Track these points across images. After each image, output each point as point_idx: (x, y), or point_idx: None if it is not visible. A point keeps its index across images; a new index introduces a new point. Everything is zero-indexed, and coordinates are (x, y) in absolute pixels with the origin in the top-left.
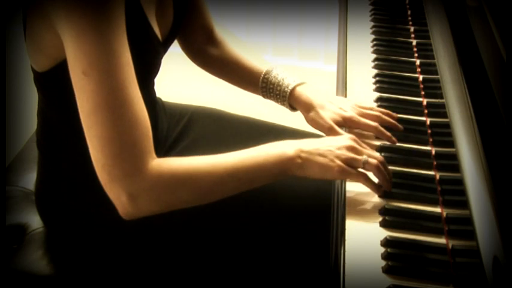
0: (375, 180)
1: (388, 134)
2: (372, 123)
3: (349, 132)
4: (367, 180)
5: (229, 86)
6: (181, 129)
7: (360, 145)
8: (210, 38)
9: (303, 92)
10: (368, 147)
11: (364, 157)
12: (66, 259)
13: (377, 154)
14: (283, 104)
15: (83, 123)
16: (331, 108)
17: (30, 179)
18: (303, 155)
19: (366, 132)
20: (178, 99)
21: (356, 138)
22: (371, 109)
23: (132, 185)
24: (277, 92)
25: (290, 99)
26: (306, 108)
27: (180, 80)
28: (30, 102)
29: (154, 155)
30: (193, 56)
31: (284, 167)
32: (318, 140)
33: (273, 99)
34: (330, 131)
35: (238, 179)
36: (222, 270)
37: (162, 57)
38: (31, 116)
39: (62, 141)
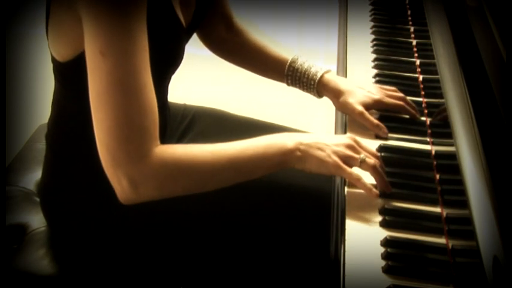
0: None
1: (415, 110)
2: (399, 102)
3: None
4: (359, 181)
5: (231, 86)
6: (184, 128)
7: (360, 146)
8: (231, 26)
9: (332, 79)
10: (367, 148)
11: (362, 156)
12: (66, 259)
13: (375, 156)
14: (309, 91)
15: (92, 104)
16: (360, 92)
17: (30, 179)
18: (302, 147)
19: (365, 131)
20: (180, 99)
21: (356, 139)
22: (394, 91)
23: (135, 171)
24: (305, 80)
25: (318, 87)
26: (336, 94)
27: (183, 80)
28: (30, 103)
29: (158, 142)
30: (213, 45)
31: (283, 159)
32: (317, 135)
33: (299, 87)
34: (360, 116)
35: (238, 168)
36: (222, 268)
37: (185, 45)
38: (31, 116)
39: (75, 133)
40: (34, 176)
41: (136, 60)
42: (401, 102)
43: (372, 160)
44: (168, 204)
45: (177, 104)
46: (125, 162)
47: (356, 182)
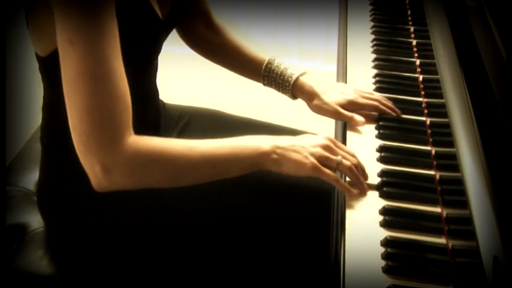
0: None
1: (390, 108)
2: (373, 102)
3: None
4: (337, 181)
5: (230, 86)
6: (180, 129)
7: (337, 146)
8: (209, 25)
9: (306, 82)
10: (345, 148)
11: (339, 157)
12: (66, 259)
13: (352, 156)
14: (285, 93)
15: (65, 92)
16: (333, 93)
17: (30, 179)
18: (278, 151)
19: (365, 131)
20: (178, 100)
21: (333, 139)
22: (370, 93)
23: (106, 157)
24: (280, 81)
25: (293, 89)
26: (310, 96)
27: (182, 80)
28: (30, 103)
29: (132, 131)
30: (192, 42)
31: (258, 161)
32: (295, 138)
33: (274, 88)
34: (336, 115)
35: (212, 166)
36: (222, 269)
37: (163, 39)
38: (31, 116)
39: (66, 132)
40: (34, 176)
41: (105, 47)
42: (375, 103)
43: (348, 162)
44: (167, 203)
45: (174, 105)
46: (97, 148)
47: (334, 183)
